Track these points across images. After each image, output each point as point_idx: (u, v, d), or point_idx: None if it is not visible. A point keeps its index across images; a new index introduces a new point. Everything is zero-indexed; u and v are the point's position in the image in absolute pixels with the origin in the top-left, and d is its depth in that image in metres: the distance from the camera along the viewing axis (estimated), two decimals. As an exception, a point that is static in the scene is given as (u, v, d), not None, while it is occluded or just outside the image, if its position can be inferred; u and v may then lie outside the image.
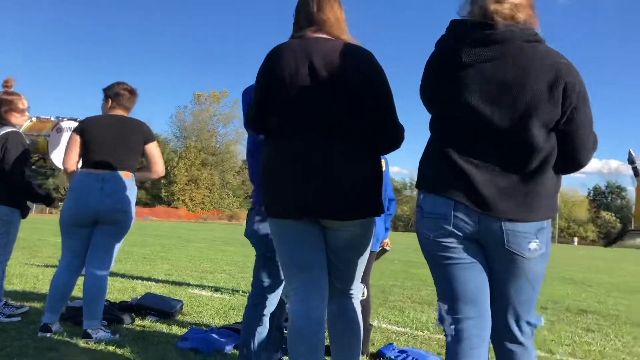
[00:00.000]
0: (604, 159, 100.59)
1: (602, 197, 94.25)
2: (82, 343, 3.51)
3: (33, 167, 4.49)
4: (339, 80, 2.18)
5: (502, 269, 1.96)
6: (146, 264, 9.32)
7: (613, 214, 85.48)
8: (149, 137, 3.91)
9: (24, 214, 4.22)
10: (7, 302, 4.30)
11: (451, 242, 1.94)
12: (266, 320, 2.79)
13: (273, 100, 2.26)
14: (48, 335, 3.61)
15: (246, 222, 2.87)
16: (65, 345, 3.44)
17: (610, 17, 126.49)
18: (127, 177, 3.75)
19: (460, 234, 1.92)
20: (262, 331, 2.78)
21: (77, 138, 3.78)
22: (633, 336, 5.25)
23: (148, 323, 4.32)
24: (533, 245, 1.90)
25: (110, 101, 3.91)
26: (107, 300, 4.68)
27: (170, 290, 6.28)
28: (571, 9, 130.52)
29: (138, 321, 4.35)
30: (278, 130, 2.28)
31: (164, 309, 4.61)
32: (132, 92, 3.98)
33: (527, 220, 1.88)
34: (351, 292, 2.45)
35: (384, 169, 2.54)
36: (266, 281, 2.80)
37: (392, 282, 8.81)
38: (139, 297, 4.89)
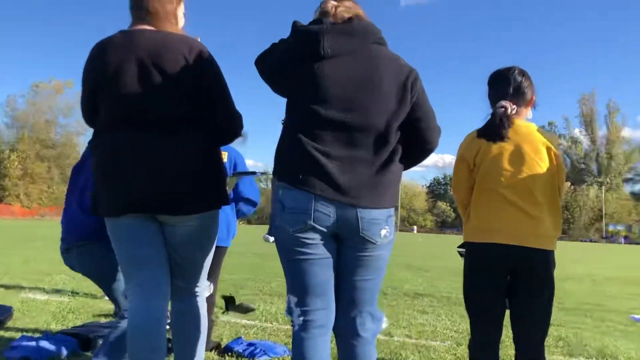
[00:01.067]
0: (440, 154, 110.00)
1: (440, 188, 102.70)
2: None
3: None
4: (166, 72, 2.15)
5: (354, 256, 2.07)
6: (-30, 268, 8.37)
7: (448, 204, 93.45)
8: None
9: None
10: None
11: (310, 237, 2.01)
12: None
13: (100, 96, 2.19)
14: None
15: None
16: None
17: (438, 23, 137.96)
18: None
19: (321, 228, 2.00)
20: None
21: None
22: (460, 315, 5.82)
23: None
24: (384, 231, 2.06)
25: None
26: None
27: (1, 297, 5.71)
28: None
29: (-42, 332, 3.91)
30: (107, 126, 2.20)
31: (-11, 317, 4.18)
32: None
33: (379, 207, 2.03)
34: (196, 290, 2.43)
35: (225, 160, 2.54)
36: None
37: (245, 275, 8.85)
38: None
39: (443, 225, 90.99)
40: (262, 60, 2.16)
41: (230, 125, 2.37)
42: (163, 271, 2.28)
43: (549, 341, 4.49)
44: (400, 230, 78.62)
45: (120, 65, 2.13)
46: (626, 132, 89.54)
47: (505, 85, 2.49)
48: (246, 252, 14.46)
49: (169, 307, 2.40)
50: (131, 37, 2.19)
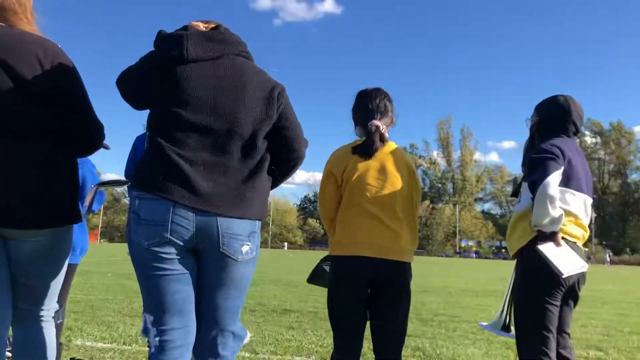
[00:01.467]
0: (311, 171, 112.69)
1: (310, 206, 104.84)
2: None
3: None
4: (16, 74, 1.94)
5: (215, 273, 1.99)
6: None
7: (318, 221, 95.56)
8: None
9: None
10: None
11: (167, 251, 1.90)
12: None
13: None
14: None
15: None
16: None
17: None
18: None
19: (178, 242, 1.90)
20: None
21: None
22: (326, 330, 5.91)
23: None
24: (245, 248, 1.99)
25: None
26: None
27: None
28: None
29: None
30: None
31: None
32: None
33: (242, 217, 1.96)
34: (42, 314, 2.17)
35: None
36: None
37: (102, 296, 8.30)
38: None
39: (313, 242, 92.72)
40: (123, 81, 2.05)
41: (88, 136, 2.19)
42: (3, 293, 2.03)
43: (407, 351, 4.71)
44: (272, 247, 78.96)
45: None
46: (477, 156, 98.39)
47: (372, 106, 2.58)
48: (106, 271, 13.61)
49: (10, 334, 2.16)
50: None
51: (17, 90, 1.93)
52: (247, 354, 4.38)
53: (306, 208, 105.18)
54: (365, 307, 2.47)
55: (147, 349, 4.42)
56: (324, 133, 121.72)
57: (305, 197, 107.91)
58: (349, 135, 2.68)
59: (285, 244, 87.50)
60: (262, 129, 2.04)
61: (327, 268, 2.65)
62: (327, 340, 5.31)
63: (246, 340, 2.16)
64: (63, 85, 2.04)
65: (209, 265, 2.00)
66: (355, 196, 2.47)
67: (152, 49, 2.04)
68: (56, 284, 2.19)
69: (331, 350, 2.58)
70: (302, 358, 4.41)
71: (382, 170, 2.49)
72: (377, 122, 2.52)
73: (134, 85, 2.03)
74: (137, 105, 2.10)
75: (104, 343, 4.69)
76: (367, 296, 2.45)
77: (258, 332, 5.57)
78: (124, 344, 4.71)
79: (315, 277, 2.77)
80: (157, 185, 1.88)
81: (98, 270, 13.84)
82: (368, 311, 2.49)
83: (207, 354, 2.03)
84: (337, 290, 2.48)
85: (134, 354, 4.32)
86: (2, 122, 1.93)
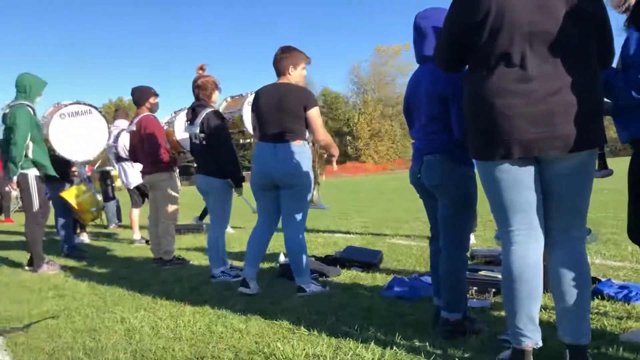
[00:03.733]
0: None
1: None
2: (298, 296, 3.85)
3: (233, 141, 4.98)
4: None
5: None
6: (343, 219, 9.80)
7: None
8: (308, 103, 3.88)
9: (238, 183, 4.74)
10: (232, 265, 4.88)
11: None
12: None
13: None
14: (246, 291, 4.00)
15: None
16: (285, 298, 3.80)
17: None
18: (298, 143, 3.87)
19: None
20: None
21: (251, 112, 4.10)
22: None
23: (353, 274, 4.58)
24: None
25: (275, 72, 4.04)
26: (313, 256, 5.07)
27: (369, 242, 6.54)
28: None
29: (344, 273, 4.63)
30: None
31: (366, 260, 4.83)
32: (284, 52, 3.98)
33: None
34: (577, 234, 2.25)
35: None
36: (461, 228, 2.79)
37: (603, 213, 8.09)
38: (341, 251, 5.18)
39: None
40: None
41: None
42: (539, 215, 2.24)
43: None
44: None
45: None
46: None
47: None
48: (601, 188, 13.09)
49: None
50: None
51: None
52: None
53: None
54: None
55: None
56: None
57: None
58: None
59: None
60: None
61: None
62: None
63: None
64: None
65: None
66: None
67: None
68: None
69: None
70: None
71: None
72: None
73: None
74: None
75: (614, 261, 4.58)
76: None
77: None
78: (637, 262, 4.47)
79: None
80: None
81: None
82: None
83: None
84: None
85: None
86: None
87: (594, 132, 2.10)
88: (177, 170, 6.13)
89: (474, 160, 2.41)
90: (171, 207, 5.66)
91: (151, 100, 5.81)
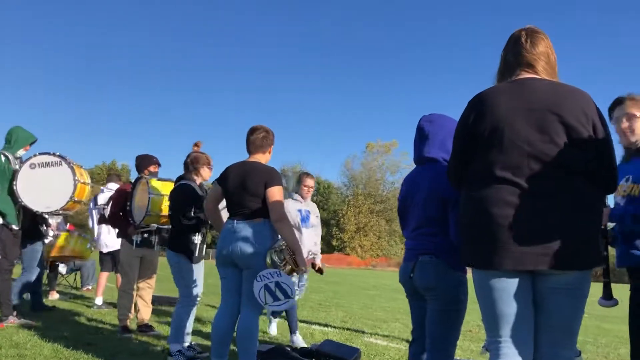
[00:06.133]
0: None
1: None
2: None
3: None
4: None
5: None
6: (322, 311, 9.61)
7: None
8: (270, 181, 3.80)
9: (192, 259, 4.70)
10: (191, 345, 4.70)
11: None
12: None
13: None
14: None
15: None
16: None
17: None
18: (258, 222, 3.79)
19: None
20: None
21: (218, 187, 4.04)
22: None
23: (328, 370, 4.43)
24: None
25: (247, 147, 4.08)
26: (288, 346, 4.94)
27: (347, 338, 6.39)
28: None
29: (319, 368, 4.49)
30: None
31: (343, 356, 4.70)
32: (264, 134, 4.02)
33: None
34: (566, 352, 2.22)
35: None
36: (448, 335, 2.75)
37: (582, 337, 8.00)
38: (318, 344, 5.05)
39: None
40: None
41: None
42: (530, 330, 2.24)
43: None
44: None
45: None
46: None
47: None
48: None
49: None
50: None
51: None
52: None
53: None
54: None
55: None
56: None
57: None
58: None
59: None
60: None
61: None
62: None
63: None
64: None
65: None
66: None
67: None
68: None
69: None
70: None
71: None
72: None
73: None
74: None
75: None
76: None
77: None
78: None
79: None
80: None
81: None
82: None
83: None
84: None
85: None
86: None
87: (589, 252, 2.12)
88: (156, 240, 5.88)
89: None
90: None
91: (150, 168, 5.85)
